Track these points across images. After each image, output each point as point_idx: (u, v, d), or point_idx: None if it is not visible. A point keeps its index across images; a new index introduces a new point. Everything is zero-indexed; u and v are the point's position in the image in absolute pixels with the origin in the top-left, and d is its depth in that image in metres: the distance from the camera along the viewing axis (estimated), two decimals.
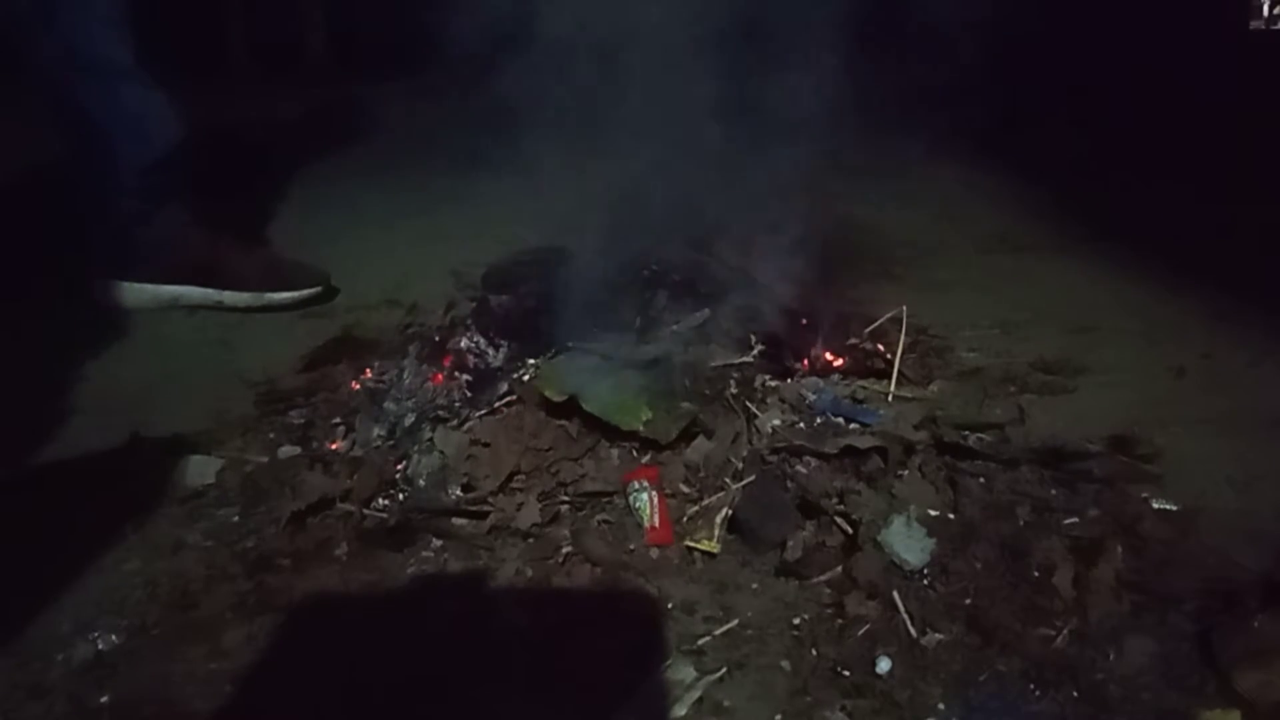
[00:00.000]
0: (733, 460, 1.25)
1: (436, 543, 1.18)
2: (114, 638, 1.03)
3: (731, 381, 1.36)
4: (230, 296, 1.87)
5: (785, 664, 0.99)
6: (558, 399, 1.26)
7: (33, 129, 1.82)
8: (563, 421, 1.28)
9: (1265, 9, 2.45)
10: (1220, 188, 2.48)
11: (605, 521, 1.20)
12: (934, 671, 0.98)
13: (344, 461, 1.30)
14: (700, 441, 1.27)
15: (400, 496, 1.25)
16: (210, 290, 1.87)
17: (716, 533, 1.17)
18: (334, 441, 1.36)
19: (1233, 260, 2.02)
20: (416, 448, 1.29)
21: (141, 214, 1.81)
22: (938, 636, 1.02)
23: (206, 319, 1.86)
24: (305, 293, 1.90)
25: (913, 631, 1.02)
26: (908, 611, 1.04)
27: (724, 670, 0.98)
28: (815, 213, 1.55)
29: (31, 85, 1.72)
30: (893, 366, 1.45)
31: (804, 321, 1.53)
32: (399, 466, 1.28)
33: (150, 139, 1.76)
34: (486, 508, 1.20)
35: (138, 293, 1.86)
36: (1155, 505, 1.22)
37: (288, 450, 1.35)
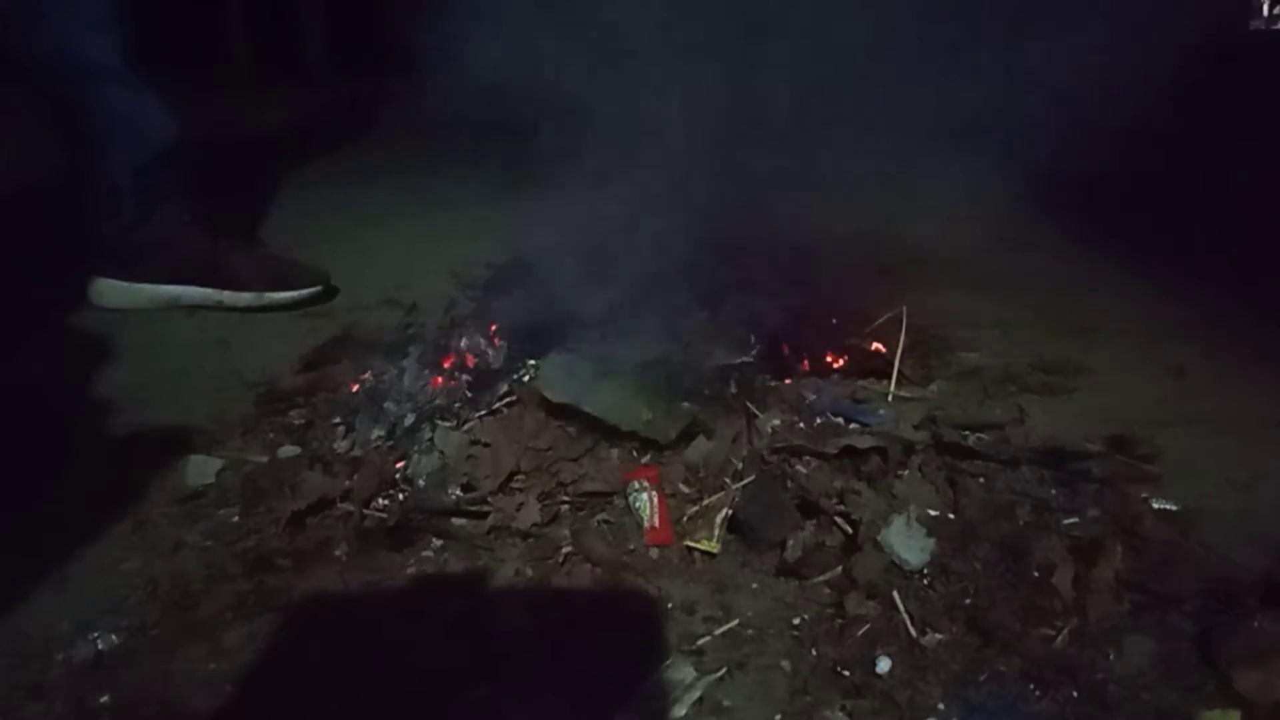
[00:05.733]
0: (733, 460, 1.25)
1: (436, 543, 1.18)
2: (114, 638, 1.03)
3: (731, 381, 1.36)
4: (230, 296, 1.87)
5: (785, 664, 0.99)
6: (557, 400, 1.26)
7: (30, 130, 1.82)
8: (562, 422, 1.28)
9: (1265, 9, 2.45)
10: (1220, 187, 2.48)
11: (605, 521, 1.19)
12: (934, 671, 0.98)
13: (344, 461, 1.30)
14: (700, 441, 1.27)
15: (400, 496, 1.25)
16: (210, 290, 1.87)
17: (716, 533, 1.17)
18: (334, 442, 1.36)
19: (1233, 260, 2.02)
20: (416, 448, 1.29)
21: (141, 214, 1.81)
22: (938, 636, 1.02)
23: (206, 319, 1.86)
24: (305, 292, 1.90)
25: (913, 631, 1.02)
26: (908, 611, 1.04)
27: (724, 670, 0.98)
28: (813, 214, 1.55)
29: (25, 87, 1.72)
30: (893, 366, 1.45)
31: (804, 322, 1.53)
32: (399, 466, 1.28)
33: (143, 140, 1.75)
34: (486, 508, 1.20)
35: (138, 293, 1.86)
36: (1155, 505, 1.22)
37: (288, 450, 1.35)
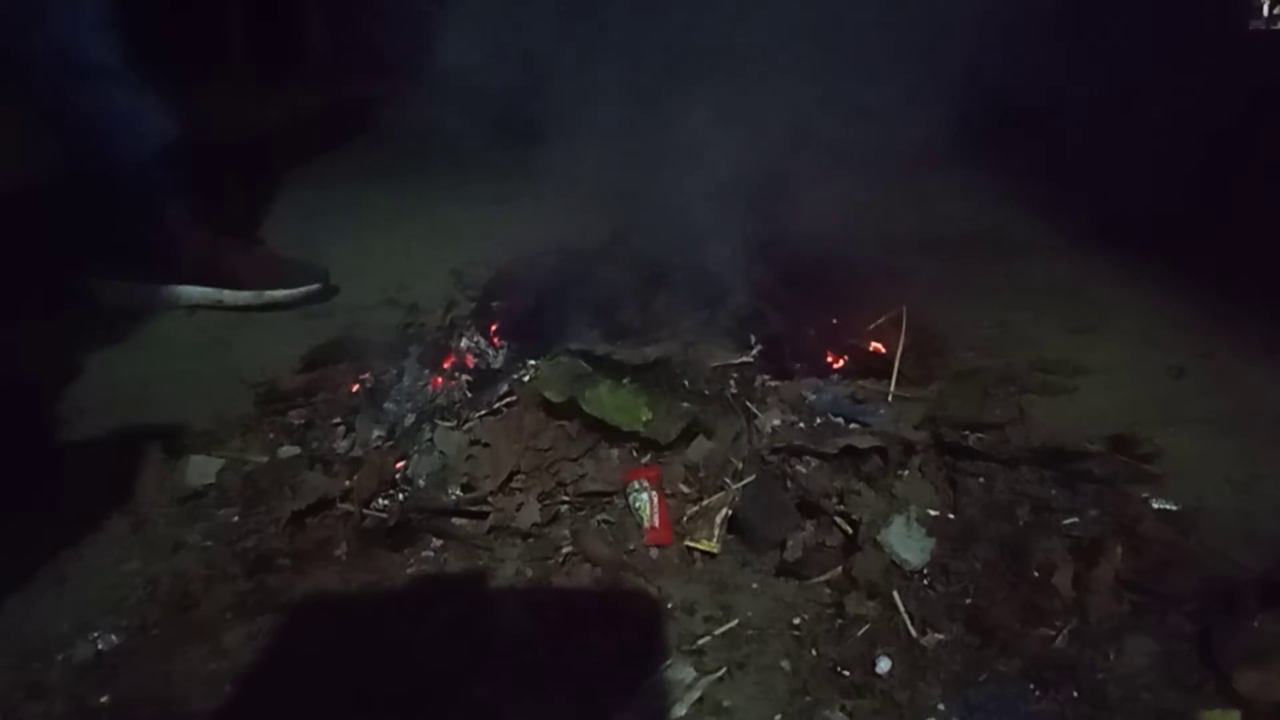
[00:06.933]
0: (733, 460, 1.25)
1: (436, 543, 1.18)
2: (114, 638, 1.03)
3: (731, 381, 1.36)
4: (230, 295, 1.87)
5: (785, 664, 0.99)
6: (557, 399, 1.26)
7: (31, 130, 1.82)
8: (563, 422, 1.28)
9: (1265, 9, 2.44)
10: (1220, 187, 2.48)
11: (605, 521, 1.19)
12: (934, 671, 0.98)
13: (344, 461, 1.30)
14: (700, 441, 1.27)
15: (400, 496, 1.25)
16: (210, 290, 1.87)
17: (716, 533, 1.17)
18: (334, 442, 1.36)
19: (1233, 260, 2.02)
20: (416, 448, 1.29)
21: (141, 214, 1.81)
22: (938, 636, 1.02)
23: (206, 319, 1.86)
24: (304, 290, 1.90)
25: (913, 631, 1.02)
26: (908, 611, 1.04)
27: (724, 670, 0.98)
28: (813, 214, 1.55)
29: (25, 87, 1.73)
30: (893, 366, 1.45)
31: (804, 321, 1.53)
32: (399, 466, 1.28)
33: (142, 140, 1.75)
34: (486, 508, 1.20)
35: (138, 293, 1.86)
36: (1155, 505, 1.22)
37: (288, 450, 1.35)
